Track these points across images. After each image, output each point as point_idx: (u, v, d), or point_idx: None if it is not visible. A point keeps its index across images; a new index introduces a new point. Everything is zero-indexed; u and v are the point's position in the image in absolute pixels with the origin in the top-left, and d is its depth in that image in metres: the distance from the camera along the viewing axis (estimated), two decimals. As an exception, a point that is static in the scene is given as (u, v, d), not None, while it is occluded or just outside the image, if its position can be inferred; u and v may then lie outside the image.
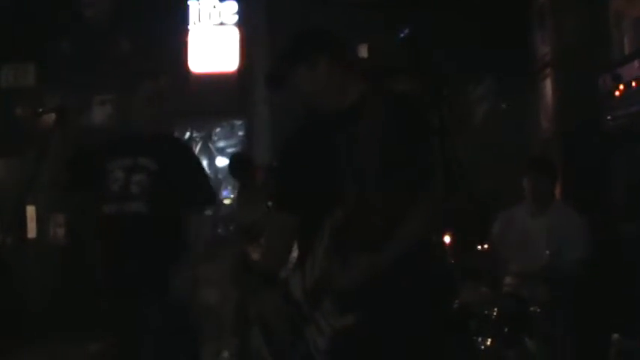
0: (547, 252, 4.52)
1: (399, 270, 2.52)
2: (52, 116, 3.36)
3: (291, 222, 2.78)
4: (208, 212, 3.95)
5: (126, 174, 3.56)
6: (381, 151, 2.50)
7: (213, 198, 3.98)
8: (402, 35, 2.59)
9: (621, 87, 5.28)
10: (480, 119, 7.05)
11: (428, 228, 2.64)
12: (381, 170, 2.49)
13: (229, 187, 7.73)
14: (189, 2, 7.88)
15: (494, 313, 4.43)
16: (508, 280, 4.87)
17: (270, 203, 3.83)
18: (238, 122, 8.14)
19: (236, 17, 7.80)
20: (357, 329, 2.47)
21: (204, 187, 3.71)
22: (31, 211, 8.49)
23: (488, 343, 4.39)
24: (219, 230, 6.95)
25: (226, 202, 7.54)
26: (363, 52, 6.95)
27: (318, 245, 2.53)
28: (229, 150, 8.10)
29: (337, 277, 2.49)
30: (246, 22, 7.80)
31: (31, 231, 8.62)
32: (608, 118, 5.35)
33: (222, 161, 8.03)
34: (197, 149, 7.95)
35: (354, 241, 2.47)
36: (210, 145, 8.09)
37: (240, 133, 8.15)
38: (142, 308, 3.49)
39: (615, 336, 4.53)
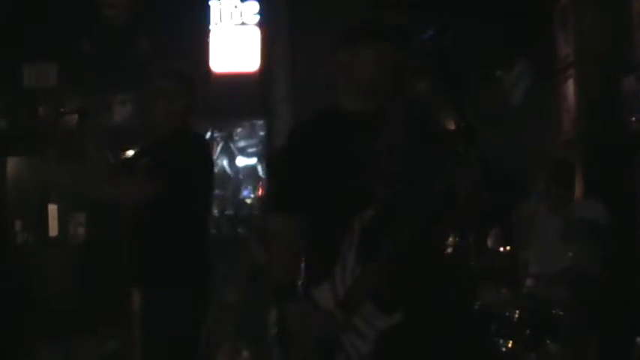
0: (570, 254, 4.50)
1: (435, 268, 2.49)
2: (74, 117, 3.39)
3: (297, 226, 2.55)
4: (229, 212, 3.93)
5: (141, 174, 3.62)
6: (412, 155, 2.45)
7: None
8: (426, 36, 2.56)
9: (646, 88, 5.24)
10: (520, 101, 6.89)
11: (449, 230, 2.62)
12: (410, 173, 2.44)
13: (250, 187, 7.73)
14: (210, 2, 7.88)
15: (516, 315, 4.41)
16: (529, 281, 4.85)
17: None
18: (259, 122, 8.14)
19: (257, 17, 7.80)
20: (402, 327, 2.39)
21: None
22: (52, 209, 8.55)
23: (510, 345, 4.37)
24: (239, 230, 6.97)
25: (247, 201, 7.54)
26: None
27: (348, 250, 2.40)
28: (250, 150, 8.11)
29: (376, 276, 2.37)
30: (267, 22, 7.80)
31: (53, 229, 8.68)
32: (633, 119, 5.31)
33: (242, 161, 8.03)
34: (218, 149, 7.98)
35: (385, 244, 2.37)
36: (232, 144, 8.08)
37: (262, 133, 8.15)
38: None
39: (639, 339, 4.50)
